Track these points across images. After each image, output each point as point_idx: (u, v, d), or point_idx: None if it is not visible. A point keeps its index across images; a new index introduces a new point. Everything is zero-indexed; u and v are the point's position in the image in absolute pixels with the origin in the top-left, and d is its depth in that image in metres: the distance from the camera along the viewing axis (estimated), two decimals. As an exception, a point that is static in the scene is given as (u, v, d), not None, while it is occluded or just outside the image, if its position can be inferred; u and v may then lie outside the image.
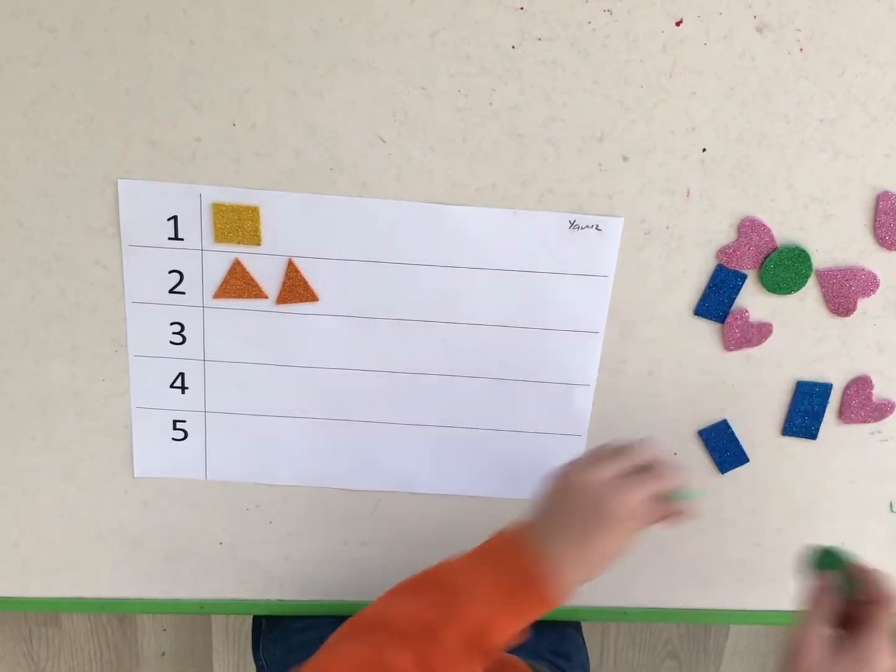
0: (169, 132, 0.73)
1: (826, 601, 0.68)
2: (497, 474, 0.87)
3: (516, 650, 0.89)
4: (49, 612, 1.74)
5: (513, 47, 0.71)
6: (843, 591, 0.69)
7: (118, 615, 1.76)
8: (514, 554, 0.65)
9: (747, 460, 0.86)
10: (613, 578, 0.92)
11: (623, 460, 0.68)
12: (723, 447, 0.86)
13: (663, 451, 0.70)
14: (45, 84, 0.72)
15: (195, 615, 1.01)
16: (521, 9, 0.70)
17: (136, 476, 0.87)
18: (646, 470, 0.68)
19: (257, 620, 1.06)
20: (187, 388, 0.84)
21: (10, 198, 0.76)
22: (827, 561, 0.72)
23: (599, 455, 0.69)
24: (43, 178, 0.75)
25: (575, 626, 1.09)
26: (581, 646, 1.09)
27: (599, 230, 0.77)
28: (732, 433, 0.85)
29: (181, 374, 0.83)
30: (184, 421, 0.85)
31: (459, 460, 0.86)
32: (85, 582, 0.92)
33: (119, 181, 0.75)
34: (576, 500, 0.66)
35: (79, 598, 0.94)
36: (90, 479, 0.87)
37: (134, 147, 0.74)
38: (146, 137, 0.73)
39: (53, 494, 0.88)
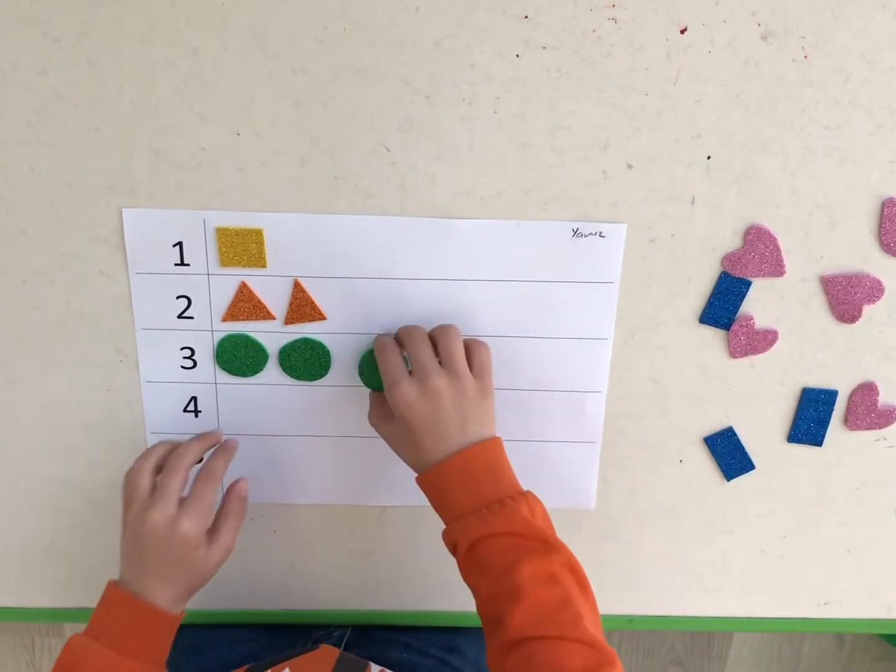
0: (173, 142, 0.73)
1: None
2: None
3: (403, 649, 0.91)
4: (52, 622, 1.73)
5: (517, 56, 0.71)
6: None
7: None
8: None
9: (753, 467, 0.86)
10: (618, 586, 0.93)
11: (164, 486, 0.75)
12: (728, 454, 0.86)
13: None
14: (49, 93, 0.72)
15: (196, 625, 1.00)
16: (526, 17, 0.70)
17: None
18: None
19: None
20: (200, 411, 0.84)
21: (14, 208, 0.76)
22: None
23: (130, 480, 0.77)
24: (47, 188, 0.75)
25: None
26: (478, 640, 1.03)
27: (603, 237, 0.76)
28: (738, 440, 0.85)
29: (194, 398, 0.83)
30: None
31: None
32: (89, 592, 0.92)
33: (123, 210, 0.75)
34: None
35: (82, 609, 0.94)
36: (94, 490, 0.87)
37: (138, 157, 0.74)
38: (150, 147, 0.73)
39: (57, 505, 0.88)
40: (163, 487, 0.74)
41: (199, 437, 0.80)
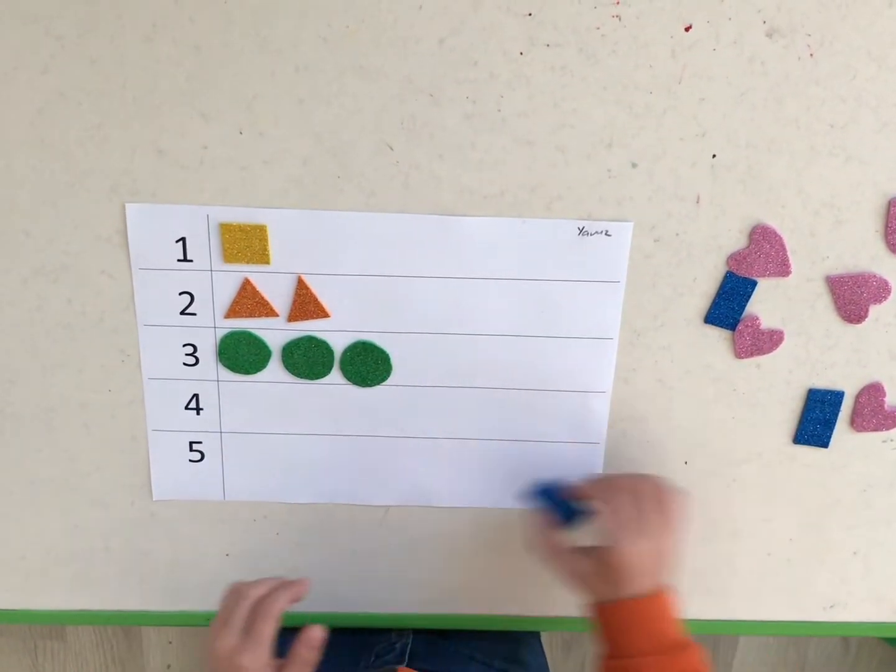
0: (176, 140, 0.73)
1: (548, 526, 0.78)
2: (515, 485, 0.86)
3: (468, 661, 0.90)
4: (55, 624, 1.73)
5: (521, 53, 0.71)
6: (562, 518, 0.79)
7: (123, 628, 1.75)
8: None
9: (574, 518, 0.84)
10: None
11: (235, 618, 0.72)
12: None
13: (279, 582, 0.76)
14: (51, 92, 0.71)
15: (201, 628, 1.00)
16: (530, 15, 0.70)
17: (154, 499, 0.87)
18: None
19: None
20: (202, 409, 0.83)
21: (16, 207, 0.75)
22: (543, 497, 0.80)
23: (222, 620, 0.73)
24: (49, 187, 0.75)
25: (533, 634, 1.09)
26: (539, 653, 1.09)
27: (609, 235, 0.76)
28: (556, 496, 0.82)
29: (195, 396, 0.83)
30: (200, 442, 0.85)
31: (475, 473, 0.85)
32: (91, 594, 0.92)
33: (126, 205, 0.75)
34: None
35: (85, 611, 0.93)
36: (97, 491, 0.87)
37: (141, 155, 0.73)
38: (153, 146, 0.73)
39: (60, 506, 0.88)
40: (256, 635, 0.72)
41: (286, 585, 0.77)
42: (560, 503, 0.79)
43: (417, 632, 0.99)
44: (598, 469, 0.86)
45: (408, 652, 0.95)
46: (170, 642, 1.77)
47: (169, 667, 1.79)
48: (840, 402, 0.83)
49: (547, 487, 0.80)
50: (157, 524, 0.89)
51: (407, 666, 0.93)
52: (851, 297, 0.79)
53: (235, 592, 0.75)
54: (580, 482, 0.78)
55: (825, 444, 0.84)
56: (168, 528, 0.89)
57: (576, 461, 0.85)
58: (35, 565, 0.91)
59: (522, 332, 0.80)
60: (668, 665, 0.70)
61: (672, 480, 0.77)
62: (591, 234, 0.76)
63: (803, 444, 0.85)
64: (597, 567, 0.74)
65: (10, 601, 0.93)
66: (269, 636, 0.71)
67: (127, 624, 0.85)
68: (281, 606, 0.73)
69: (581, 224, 0.76)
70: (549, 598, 0.93)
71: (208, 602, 0.93)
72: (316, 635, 0.73)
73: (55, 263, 0.77)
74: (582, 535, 0.79)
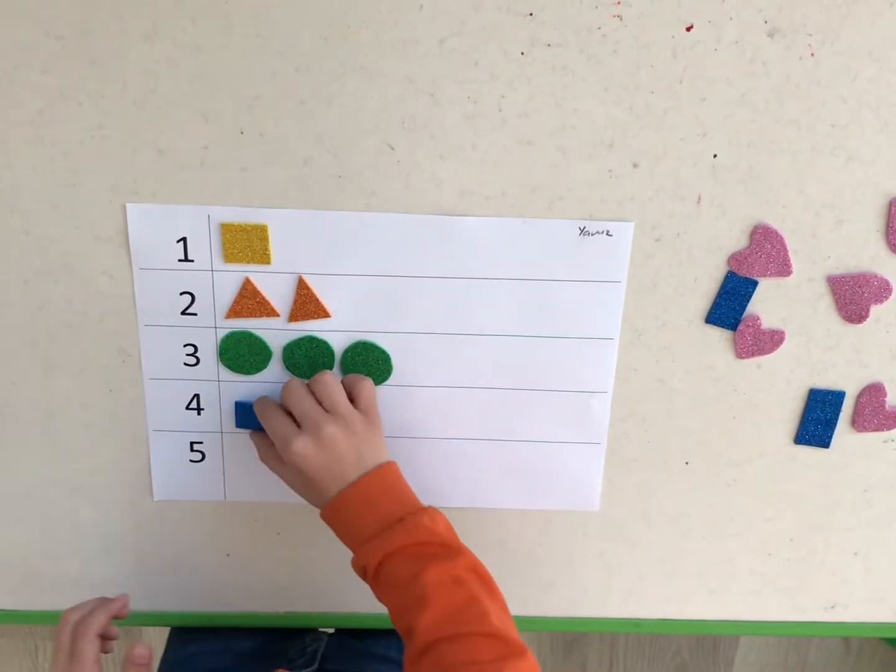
0: (177, 141, 0.73)
1: None
2: (513, 485, 0.86)
3: (381, 661, 0.96)
4: (56, 625, 1.73)
5: (522, 54, 0.71)
6: None
7: (124, 627, 1.75)
8: None
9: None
10: (624, 589, 0.92)
11: (60, 643, 0.74)
12: None
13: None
14: (52, 92, 0.71)
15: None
16: (530, 15, 0.69)
17: (155, 500, 0.87)
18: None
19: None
20: (203, 409, 0.83)
21: (17, 207, 0.75)
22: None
23: (54, 647, 0.75)
24: (50, 188, 0.75)
25: None
26: None
27: (610, 235, 0.76)
28: None
29: (196, 396, 0.83)
30: (200, 442, 0.85)
31: (475, 472, 0.85)
32: (92, 595, 0.91)
33: (127, 205, 0.75)
34: None
35: (85, 611, 0.93)
36: (98, 493, 0.87)
37: (141, 156, 0.73)
38: (154, 146, 0.73)
39: (61, 507, 0.88)
40: (78, 655, 0.73)
41: (104, 603, 0.78)
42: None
43: (335, 634, 1.00)
44: (599, 471, 0.86)
45: (319, 655, 0.96)
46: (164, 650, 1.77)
47: (169, 667, 1.79)
48: (841, 403, 0.83)
49: (244, 407, 0.82)
50: (157, 524, 0.89)
51: (318, 668, 0.95)
52: (852, 297, 0.79)
53: (61, 619, 0.76)
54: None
55: (826, 445, 0.84)
56: (169, 528, 0.89)
57: (576, 461, 0.85)
58: (36, 566, 0.91)
59: (523, 332, 0.80)
60: (392, 539, 0.69)
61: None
62: (591, 235, 0.76)
63: (804, 444, 0.85)
64: (292, 476, 0.75)
65: (10, 602, 0.93)
66: (90, 655, 0.72)
67: (128, 624, 0.85)
68: (98, 625, 0.74)
69: (582, 224, 0.76)
70: (533, 594, 0.93)
71: (209, 602, 0.93)
72: (141, 653, 0.73)
73: (56, 264, 0.77)
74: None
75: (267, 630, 0.97)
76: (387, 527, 0.70)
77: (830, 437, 0.84)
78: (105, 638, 0.76)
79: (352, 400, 0.76)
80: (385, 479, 0.73)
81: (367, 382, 0.77)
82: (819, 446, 0.85)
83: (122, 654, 0.73)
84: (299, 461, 0.72)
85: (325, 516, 0.74)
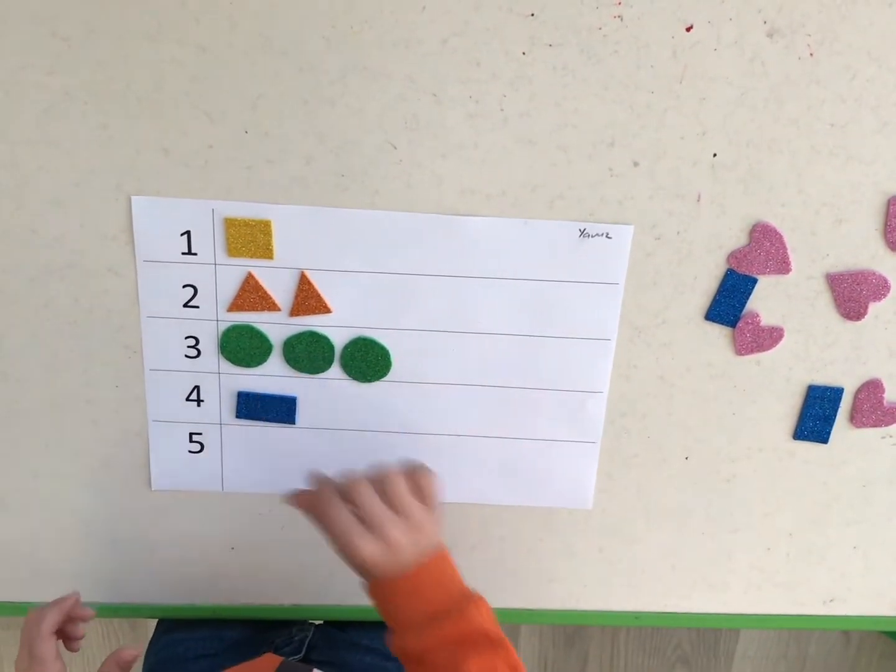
0: (181, 140, 0.73)
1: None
2: (509, 482, 0.87)
3: (365, 652, 0.96)
4: (60, 617, 1.74)
5: (523, 53, 0.71)
6: None
7: (130, 620, 1.76)
8: None
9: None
10: (624, 584, 0.93)
11: (22, 644, 0.76)
12: None
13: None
14: (57, 92, 0.72)
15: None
16: (532, 15, 0.70)
17: (153, 490, 0.88)
18: None
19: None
20: (202, 400, 0.84)
21: (23, 206, 0.76)
22: None
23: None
24: (56, 186, 0.75)
25: None
26: None
27: (610, 238, 0.77)
28: None
29: (196, 388, 0.84)
30: (200, 433, 0.86)
31: (471, 469, 0.86)
32: (98, 588, 0.92)
33: (132, 198, 0.75)
34: None
35: (90, 604, 0.94)
36: (104, 487, 0.88)
37: (146, 155, 0.74)
38: (158, 145, 0.74)
39: (67, 502, 0.89)
40: (37, 654, 0.75)
41: (55, 603, 0.79)
42: None
43: (321, 624, 1.01)
44: (593, 470, 0.86)
45: (306, 644, 0.97)
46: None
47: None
48: (839, 399, 0.83)
49: (246, 397, 0.83)
50: (163, 518, 0.90)
51: (304, 657, 0.95)
52: (851, 294, 0.79)
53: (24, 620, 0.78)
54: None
55: (825, 440, 0.85)
56: (174, 522, 0.90)
57: (571, 460, 0.86)
58: (42, 560, 0.92)
59: (521, 331, 0.80)
60: (439, 628, 0.69)
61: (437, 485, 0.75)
62: (591, 237, 0.76)
63: (803, 439, 0.85)
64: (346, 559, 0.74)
65: (15, 594, 0.94)
66: (47, 653, 0.74)
67: (134, 617, 0.86)
68: (49, 624, 0.75)
69: (582, 226, 0.76)
70: (534, 588, 0.93)
71: (214, 595, 0.94)
72: (126, 656, 0.76)
73: (62, 262, 0.78)
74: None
75: (254, 619, 0.98)
76: (434, 618, 0.70)
77: (829, 433, 0.85)
78: (69, 638, 0.79)
79: (415, 488, 0.75)
80: (437, 568, 0.73)
81: (427, 473, 0.75)
82: (817, 442, 0.85)
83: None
84: (368, 567, 0.71)
85: (371, 594, 0.73)
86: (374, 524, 0.71)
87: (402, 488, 0.73)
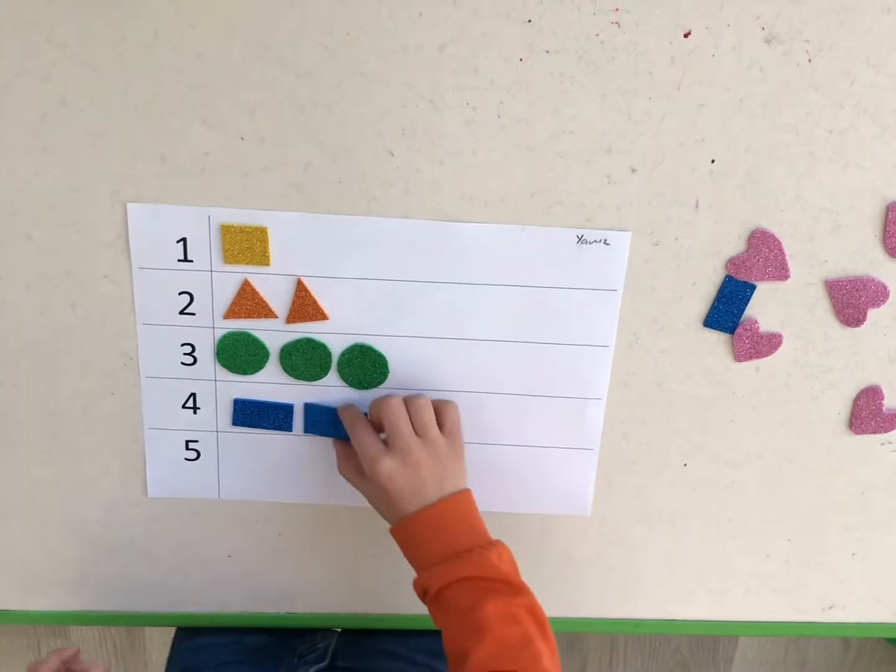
0: (178, 147, 0.73)
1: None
2: (507, 489, 0.87)
3: (390, 658, 0.96)
4: (58, 625, 1.74)
5: (521, 60, 0.71)
6: None
7: (126, 628, 1.76)
8: None
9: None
10: (624, 590, 0.93)
11: None
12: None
13: None
14: (54, 99, 0.72)
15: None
16: (529, 22, 0.70)
17: (149, 497, 0.88)
18: None
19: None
20: (199, 408, 0.84)
21: (19, 212, 0.76)
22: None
23: None
24: (52, 193, 0.75)
25: None
26: None
27: (608, 244, 0.76)
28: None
29: (192, 395, 0.83)
30: (196, 441, 0.85)
31: (470, 476, 0.85)
32: (94, 595, 0.92)
33: (128, 204, 0.75)
34: None
35: (88, 612, 0.94)
36: (100, 494, 0.87)
37: (143, 162, 0.74)
38: (155, 152, 0.73)
39: (63, 509, 0.88)
40: None
41: (56, 652, 0.82)
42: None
43: (345, 631, 1.01)
44: (592, 476, 0.86)
45: (330, 651, 0.97)
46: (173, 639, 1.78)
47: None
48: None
49: (242, 405, 0.83)
50: (159, 526, 0.89)
51: (329, 665, 0.95)
52: (850, 300, 0.79)
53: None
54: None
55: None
56: (171, 529, 0.90)
57: (569, 466, 0.86)
58: (38, 567, 0.91)
59: (518, 338, 0.80)
60: (459, 567, 0.71)
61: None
62: (589, 243, 0.76)
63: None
64: (372, 490, 0.76)
65: (12, 602, 0.94)
66: None
67: (129, 625, 0.86)
68: (48, 668, 0.79)
69: (580, 233, 0.76)
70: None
71: (211, 603, 0.94)
72: (65, 655, 0.81)
73: (58, 269, 0.78)
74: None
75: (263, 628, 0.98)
76: (455, 555, 0.71)
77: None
78: None
79: (438, 422, 0.78)
80: (460, 506, 0.75)
81: (454, 406, 0.79)
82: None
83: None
84: (384, 480, 0.73)
85: (395, 532, 0.75)
86: (397, 442, 0.74)
87: (430, 415, 0.76)
